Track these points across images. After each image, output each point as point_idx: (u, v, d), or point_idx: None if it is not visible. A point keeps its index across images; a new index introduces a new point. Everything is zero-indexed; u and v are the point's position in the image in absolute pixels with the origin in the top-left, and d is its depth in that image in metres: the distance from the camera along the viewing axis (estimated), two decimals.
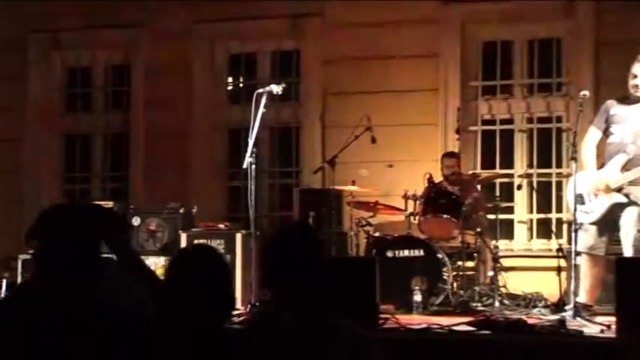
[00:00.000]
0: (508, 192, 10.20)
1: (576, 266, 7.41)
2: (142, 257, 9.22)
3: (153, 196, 10.71)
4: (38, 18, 11.49)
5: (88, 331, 3.57)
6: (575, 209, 7.14)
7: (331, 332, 3.40)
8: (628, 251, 7.13)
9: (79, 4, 11.28)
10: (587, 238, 7.25)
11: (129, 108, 11.58)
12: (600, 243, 7.30)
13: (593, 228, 7.27)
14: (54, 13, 11.41)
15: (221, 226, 9.34)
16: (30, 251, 8.41)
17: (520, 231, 10.38)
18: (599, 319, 6.67)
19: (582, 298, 7.23)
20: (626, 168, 7.23)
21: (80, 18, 11.34)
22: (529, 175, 10.23)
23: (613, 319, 6.26)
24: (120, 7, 11.20)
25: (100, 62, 11.85)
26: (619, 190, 7.22)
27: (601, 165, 7.40)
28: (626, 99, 7.39)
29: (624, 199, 7.21)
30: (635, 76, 7.30)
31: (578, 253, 7.30)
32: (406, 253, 8.69)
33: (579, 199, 7.37)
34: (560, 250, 8.72)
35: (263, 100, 7.64)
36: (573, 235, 7.17)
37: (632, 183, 7.19)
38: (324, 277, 3.52)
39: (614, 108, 7.41)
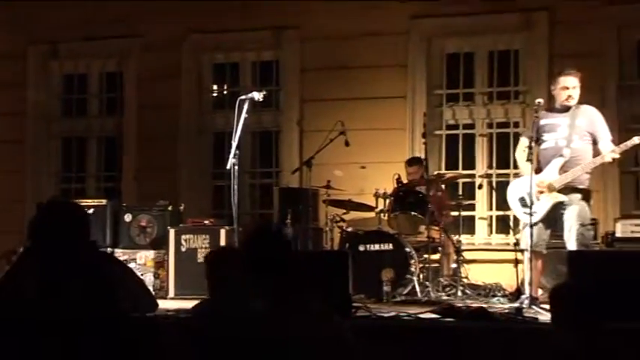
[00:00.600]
0: (470, 191, 10.22)
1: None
2: (133, 251, 9.29)
3: (144, 194, 10.70)
4: (37, 30, 11.48)
5: (75, 329, 3.53)
6: (530, 212, 7.15)
7: (307, 319, 3.40)
8: (572, 245, 7.19)
9: (75, 16, 11.24)
10: (530, 236, 7.30)
11: (122, 113, 11.55)
12: (542, 241, 7.35)
13: (536, 227, 7.29)
14: (52, 25, 11.38)
15: (206, 222, 9.33)
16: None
17: (481, 227, 10.40)
18: None
19: (527, 291, 7.24)
20: (563, 170, 7.30)
21: (76, 30, 11.31)
22: (489, 176, 10.27)
23: None
24: (114, 20, 11.17)
25: (95, 70, 11.82)
26: (559, 189, 7.29)
27: (537, 170, 7.45)
28: (553, 109, 7.45)
29: (565, 198, 7.28)
30: (567, 88, 7.39)
31: (522, 250, 7.38)
32: (376, 247, 8.69)
33: (522, 202, 7.45)
34: (517, 244, 8.73)
35: (245, 106, 7.62)
36: (528, 231, 7.23)
37: (568, 187, 7.27)
38: (297, 270, 3.53)
39: (544, 119, 7.45)
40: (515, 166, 9.92)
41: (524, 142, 7.64)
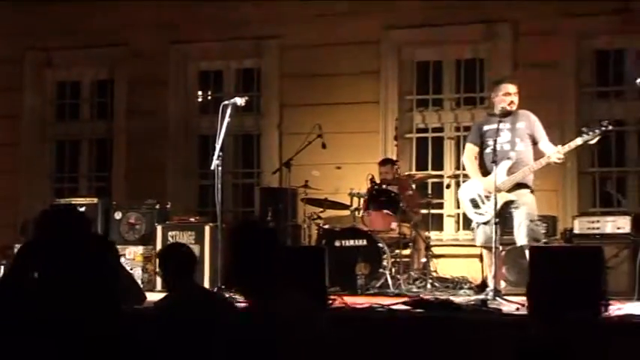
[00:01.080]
0: (438, 190, 10.25)
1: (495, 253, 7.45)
2: (123, 246, 9.24)
3: (133, 193, 10.66)
4: (33, 38, 11.43)
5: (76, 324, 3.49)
6: (495, 210, 7.11)
7: (289, 314, 3.38)
8: (522, 240, 7.22)
9: (68, 27, 11.20)
10: (484, 234, 7.31)
11: (112, 117, 11.51)
12: (496, 237, 7.33)
13: (488, 225, 7.28)
14: (46, 34, 11.32)
15: (192, 219, 9.32)
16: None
17: (448, 223, 10.42)
18: (515, 298, 6.73)
19: (491, 284, 7.27)
20: (510, 171, 7.33)
21: (69, 38, 11.26)
22: (456, 176, 10.31)
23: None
24: (105, 30, 11.13)
25: (87, 77, 11.77)
26: (508, 190, 7.32)
27: (483, 173, 7.44)
28: (494, 115, 7.44)
29: (514, 197, 7.31)
30: (510, 94, 7.43)
31: (489, 246, 7.40)
32: (351, 242, 8.69)
33: (473, 203, 7.47)
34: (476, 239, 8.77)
35: (228, 111, 7.62)
36: (482, 229, 7.29)
37: (516, 186, 7.30)
38: (282, 263, 3.51)
39: (487, 125, 7.47)
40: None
41: (469, 147, 7.68)
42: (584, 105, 9.99)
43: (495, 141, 7.29)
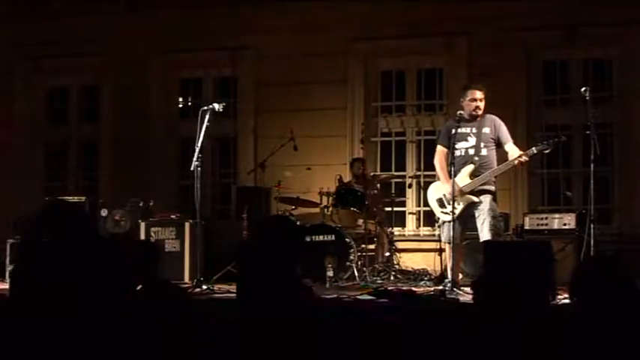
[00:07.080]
0: (401, 189, 10.29)
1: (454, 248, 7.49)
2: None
3: (118, 192, 10.60)
4: (24, 47, 11.34)
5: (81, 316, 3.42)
6: (453, 209, 7.15)
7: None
8: (486, 235, 7.24)
9: (57, 36, 11.13)
10: (448, 232, 7.34)
11: (99, 121, 11.44)
12: (457, 234, 7.38)
13: (452, 223, 7.34)
14: (37, 43, 11.24)
15: (173, 216, 9.27)
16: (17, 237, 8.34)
17: (410, 220, 10.47)
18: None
19: (449, 276, 7.32)
20: (474, 175, 7.37)
21: (59, 47, 11.18)
22: (417, 177, 10.36)
23: None
24: (91, 40, 11.07)
25: (75, 84, 11.69)
26: (470, 192, 7.37)
27: (449, 174, 7.47)
28: (462, 120, 7.41)
29: (475, 198, 7.35)
30: (476, 100, 7.43)
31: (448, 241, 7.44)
32: (321, 238, 8.68)
33: (440, 203, 7.51)
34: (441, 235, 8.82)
35: (207, 116, 7.61)
36: (447, 227, 7.32)
37: (480, 187, 7.36)
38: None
39: (455, 129, 7.48)
40: None
41: (439, 149, 7.71)
42: (534, 111, 10.08)
43: (454, 144, 7.32)
